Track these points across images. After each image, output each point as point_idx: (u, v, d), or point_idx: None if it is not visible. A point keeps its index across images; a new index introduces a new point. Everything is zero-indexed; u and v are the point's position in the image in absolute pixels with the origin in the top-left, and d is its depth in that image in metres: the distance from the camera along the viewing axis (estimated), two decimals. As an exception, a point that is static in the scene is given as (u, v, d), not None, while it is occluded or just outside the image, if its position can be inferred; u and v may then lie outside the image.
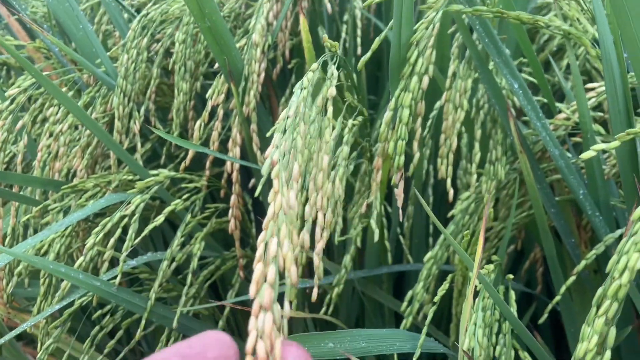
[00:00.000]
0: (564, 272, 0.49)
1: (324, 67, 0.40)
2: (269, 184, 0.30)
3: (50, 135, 0.54)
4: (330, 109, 0.38)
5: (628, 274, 0.26)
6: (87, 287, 0.45)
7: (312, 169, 0.37)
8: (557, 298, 0.44)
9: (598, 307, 0.28)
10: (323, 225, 0.36)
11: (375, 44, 0.41)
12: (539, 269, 0.56)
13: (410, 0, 0.38)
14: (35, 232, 0.57)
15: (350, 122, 0.43)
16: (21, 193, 0.55)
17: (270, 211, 0.28)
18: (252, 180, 0.56)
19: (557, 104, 0.48)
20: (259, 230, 0.61)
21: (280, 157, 0.31)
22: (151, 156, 0.62)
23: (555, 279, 0.46)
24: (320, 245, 0.36)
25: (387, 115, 0.40)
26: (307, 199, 0.37)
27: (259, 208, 0.63)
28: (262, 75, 0.50)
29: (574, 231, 0.48)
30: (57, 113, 0.54)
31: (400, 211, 0.40)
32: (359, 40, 0.58)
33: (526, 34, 0.46)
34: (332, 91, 0.38)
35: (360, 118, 0.44)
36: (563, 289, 0.44)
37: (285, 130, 0.33)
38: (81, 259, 0.47)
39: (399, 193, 0.40)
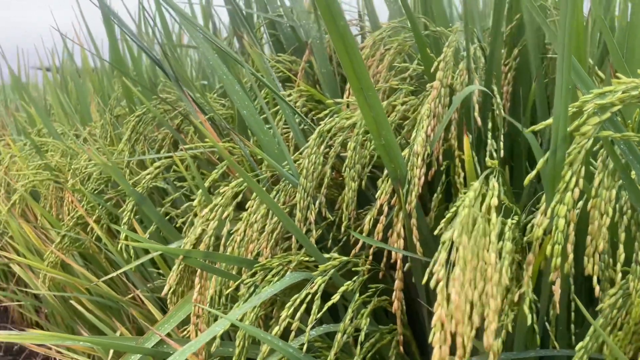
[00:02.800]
0: None
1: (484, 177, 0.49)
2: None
3: (247, 222, 0.68)
4: (494, 215, 0.46)
5: None
6: (283, 351, 0.55)
7: (479, 264, 0.45)
8: None
9: None
10: (494, 309, 0.44)
11: (540, 164, 0.49)
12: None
13: (564, 130, 0.46)
14: (226, 299, 0.70)
15: (509, 221, 0.51)
16: (223, 269, 0.68)
17: (435, 318, 0.38)
18: (408, 264, 0.65)
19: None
20: (411, 308, 0.69)
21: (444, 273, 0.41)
22: (318, 239, 0.74)
23: None
24: (493, 326, 0.44)
25: (543, 221, 0.48)
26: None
27: (412, 287, 0.71)
28: (422, 178, 0.60)
29: None
30: (252, 205, 0.68)
31: (558, 304, 0.47)
32: (502, 144, 0.66)
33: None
34: (495, 201, 0.47)
35: (516, 218, 0.52)
36: None
37: (449, 249, 0.42)
38: (276, 329, 0.58)
39: (556, 289, 0.47)
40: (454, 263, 0.44)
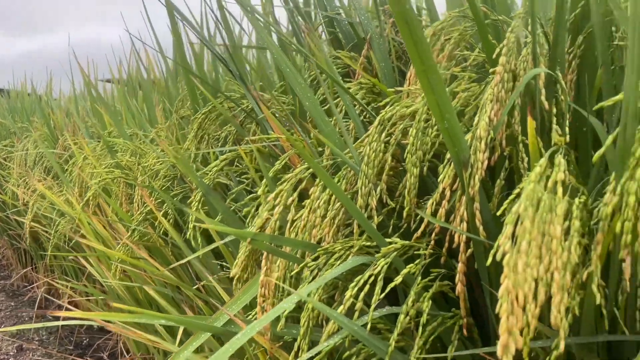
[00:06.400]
0: None
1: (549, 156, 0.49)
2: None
3: (310, 208, 0.70)
4: (560, 190, 0.46)
5: None
6: (349, 329, 0.57)
7: (545, 238, 0.45)
8: None
9: None
10: (560, 282, 0.44)
11: (609, 140, 0.49)
12: None
13: (635, 106, 0.46)
14: (290, 284, 0.72)
15: (576, 200, 0.51)
16: (288, 253, 0.71)
17: (502, 289, 0.39)
18: (470, 250, 0.65)
19: None
20: (471, 295, 0.69)
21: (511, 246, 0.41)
22: (378, 226, 0.75)
23: None
24: (558, 298, 0.44)
25: (613, 199, 0.47)
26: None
27: (472, 275, 0.71)
28: (485, 162, 0.60)
29: None
30: (315, 192, 0.70)
31: (628, 282, 0.46)
32: (567, 129, 0.65)
33: None
34: (561, 176, 0.47)
35: (583, 197, 0.52)
36: None
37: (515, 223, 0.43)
38: (341, 307, 0.60)
39: (626, 267, 0.46)
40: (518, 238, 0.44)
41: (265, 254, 0.68)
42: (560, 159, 0.47)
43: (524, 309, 0.45)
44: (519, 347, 0.42)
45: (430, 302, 0.62)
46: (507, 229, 0.44)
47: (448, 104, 0.57)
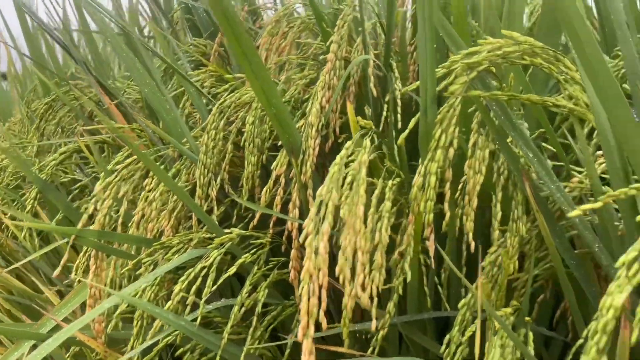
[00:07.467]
0: (590, 318, 0.54)
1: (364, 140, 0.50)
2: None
3: (145, 201, 0.66)
4: (363, 171, 0.47)
5: (612, 311, 0.33)
6: (176, 325, 0.55)
7: (350, 218, 0.46)
8: (580, 341, 0.49)
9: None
10: (362, 261, 0.45)
11: (411, 123, 0.50)
12: (569, 317, 0.60)
13: (433, 90, 0.47)
14: (129, 282, 0.68)
15: (389, 182, 0.52)
16: (120, 249, 0.66)
17: (303, 271, 0.38)
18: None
19: (573, 168, 0.55)
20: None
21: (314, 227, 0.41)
22: (224, 217, 0.73)
23: (578, 324, 0.52)
24: (360, 278, 0.44)
25: (418, 180, 0.49)
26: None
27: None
28: (317, 149, 0.61)
29: (594, 281, 0.53)
30: (151, 183, 0.66)
31: (433, 260, 0.48)
32: (399, 116, 0.67)
33: (542, 111, 0.54)
34: (365, 158, 0.48)
35: (397, 180, 0.53)
36: (585, 332, 0.49)
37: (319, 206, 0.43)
38: (169, 303, 0.57)
39: (430, 244, 0.48)
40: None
41: (93, 251, 0.64)
42: (366, 142, 0.48)
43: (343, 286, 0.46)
44: (324, 328, 0.42)
45: (266, 290, 0.62)
46: (312, 211, 0.44)
47: (273, 90, 0.56)
